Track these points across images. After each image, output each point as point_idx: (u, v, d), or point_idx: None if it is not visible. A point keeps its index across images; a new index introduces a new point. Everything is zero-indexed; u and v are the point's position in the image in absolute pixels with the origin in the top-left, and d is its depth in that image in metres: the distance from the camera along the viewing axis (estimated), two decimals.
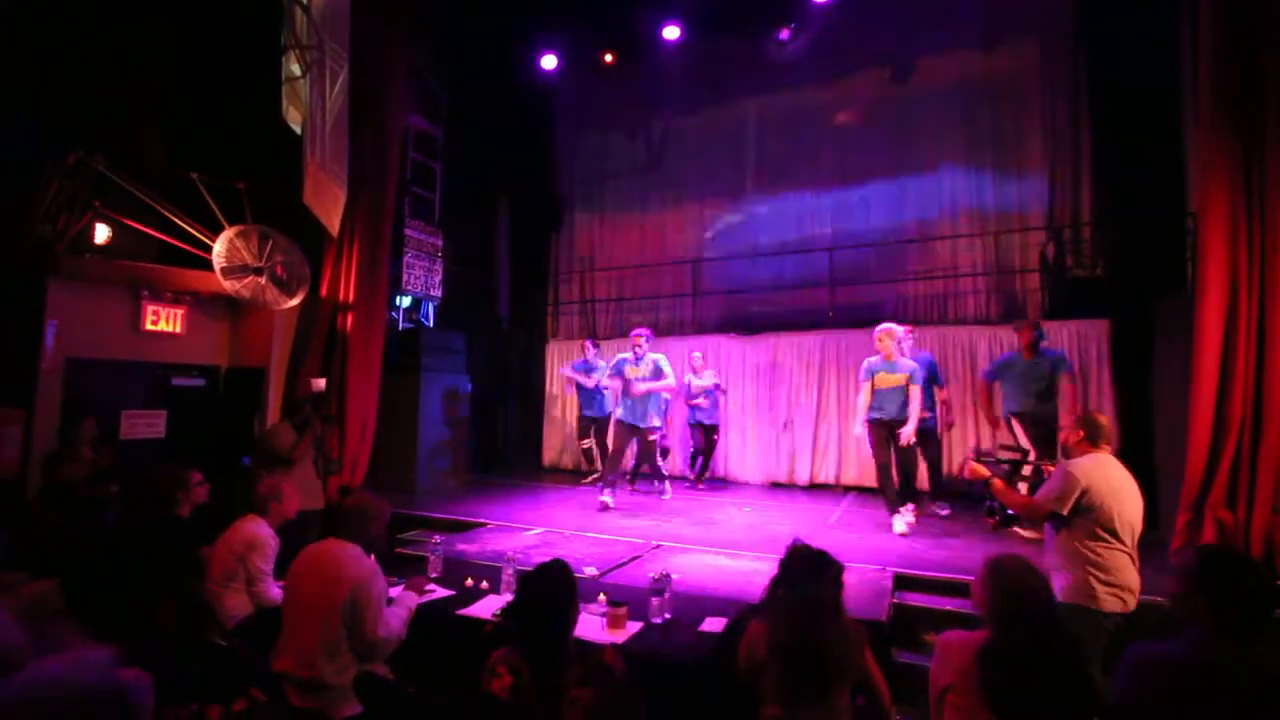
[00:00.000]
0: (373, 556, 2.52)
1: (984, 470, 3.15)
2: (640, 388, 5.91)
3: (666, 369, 6.02)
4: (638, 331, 6.15)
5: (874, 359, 5.14)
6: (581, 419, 7.50)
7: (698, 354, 7.41)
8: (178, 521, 3.24)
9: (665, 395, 6.50)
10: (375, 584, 2.32)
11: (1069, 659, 1.74)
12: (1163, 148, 5.93)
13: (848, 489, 6.99)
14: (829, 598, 2.07)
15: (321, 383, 4.98)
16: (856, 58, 7.90)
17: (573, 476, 7.82)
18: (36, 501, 4.21)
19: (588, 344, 7.52)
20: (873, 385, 5.07)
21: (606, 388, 7.03)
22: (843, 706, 2.00)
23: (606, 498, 5.83)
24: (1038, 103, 7.05)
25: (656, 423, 6.17)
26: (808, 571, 2.12)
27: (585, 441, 7.52)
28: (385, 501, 2.80)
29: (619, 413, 6.25)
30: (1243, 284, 3.90)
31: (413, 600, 2.69)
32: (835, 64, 7.96)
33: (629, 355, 6.07)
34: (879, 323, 5.23)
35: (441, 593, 3.21)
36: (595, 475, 7.24)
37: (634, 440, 6.25)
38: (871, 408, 5.06)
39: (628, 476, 6.98)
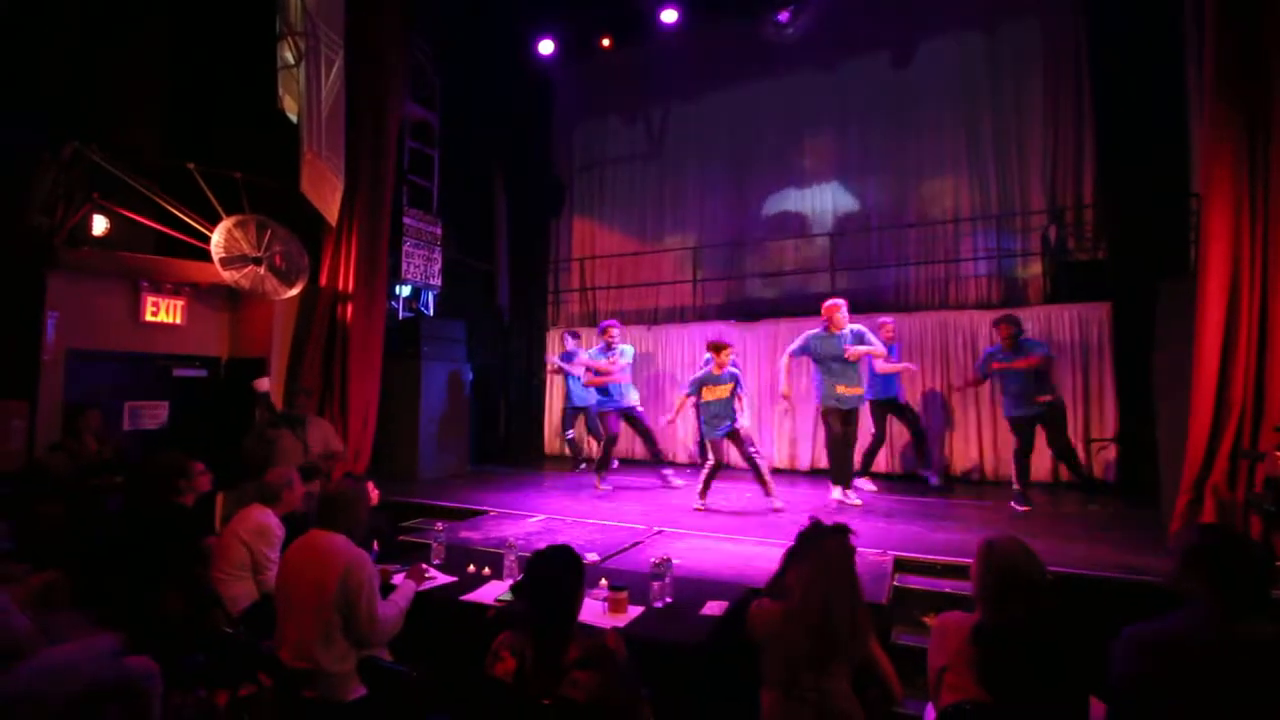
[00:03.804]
0: (375, 544, 2.53)
1: None
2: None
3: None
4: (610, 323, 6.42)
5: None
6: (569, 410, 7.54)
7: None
8: (182, 510, 3.28)
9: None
10: (364, 569, 2.33)
11: (1061, 637, 1.75)
12: (1166, 128, 5.87)
13: None
14: (846, 561, 2.12)
15: (264, 382, 5.00)
16: (857, 40, 7.82)
17: (574, 464, 7.84)
18: (30, 494, 4.24)
19: (566, 336, 7.58)
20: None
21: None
22: (843, 691, 2.01)
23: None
24: (1039, 84, 6.98)
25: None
26: (820, 537, 2.16)
27: (570, 432, 7.56)
28: (363, 486, 2.84)
29: (635, 399, 6.41)
30: (1245, 266, 3.88)
31: (411, 588, 2.71)
32: (835, 46, 7.89)
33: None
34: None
35: (444, 579, 3.23)
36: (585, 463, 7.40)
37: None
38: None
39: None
